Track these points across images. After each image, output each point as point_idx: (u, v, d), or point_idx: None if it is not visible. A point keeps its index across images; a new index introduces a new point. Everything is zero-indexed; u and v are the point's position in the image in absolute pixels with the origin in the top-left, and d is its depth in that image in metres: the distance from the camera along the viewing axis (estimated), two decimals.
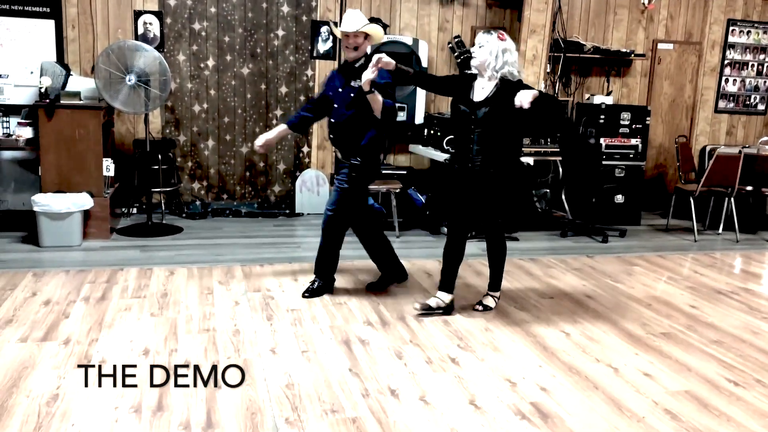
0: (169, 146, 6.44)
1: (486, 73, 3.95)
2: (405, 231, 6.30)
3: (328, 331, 3.86)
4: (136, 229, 5.96)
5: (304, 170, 7.03)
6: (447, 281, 4.20)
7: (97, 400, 2.95)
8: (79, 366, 3.26)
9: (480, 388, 3.22)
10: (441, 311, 4.18)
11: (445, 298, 4.19)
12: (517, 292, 4.72)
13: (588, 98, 7.31)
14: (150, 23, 6.41)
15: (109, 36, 6.35)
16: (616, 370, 3.51)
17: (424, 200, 6.49)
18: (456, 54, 7.22)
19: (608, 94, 7.50)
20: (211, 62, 6.65)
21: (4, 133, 5.81)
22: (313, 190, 7.02)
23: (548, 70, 7.19)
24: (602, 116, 6.93)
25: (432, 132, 6.61)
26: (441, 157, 6.24)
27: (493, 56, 3.89)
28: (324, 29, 6.86)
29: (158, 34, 6.44)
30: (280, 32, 6.76)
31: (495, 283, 4.37)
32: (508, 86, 3.87)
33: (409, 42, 6.87)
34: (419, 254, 5.59)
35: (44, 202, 5.25)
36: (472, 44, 7.20)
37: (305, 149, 7.07)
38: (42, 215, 5.25)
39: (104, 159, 5.70)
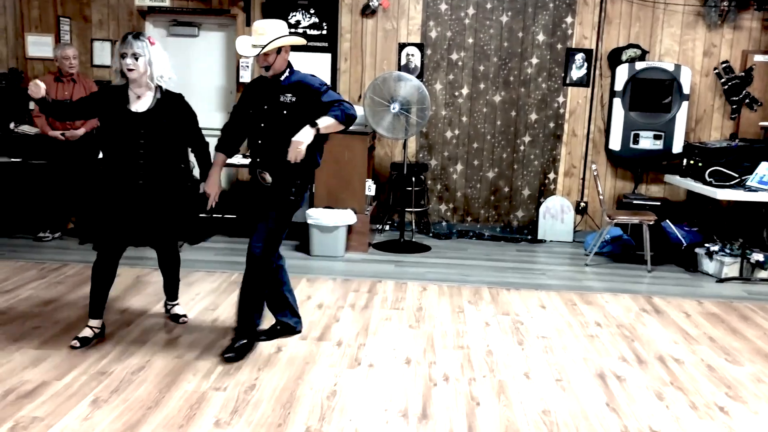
0: (422, 170, 6.83)
1: (142, 83, 3.70)
2: (657, 266, 5.98)
3: (581, 362, 3.82)
4: (389, 245, 6.40)
5: (548, 197, 7.01)
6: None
7: (369, 400, 3.24)
8: (351, 367, 3.60)
9: None
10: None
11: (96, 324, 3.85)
12: None
13: None
14: (412, 54, 6.89)
15: (376, 67, 6.93)
16: None
17: (679, 234, 6.11)
18: (723, 80, 6.73)
19: None
20: (465, 90, 6.95)
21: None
22: (557, 217, 6.96)
23: None
24: None
25: (692, 162, 6.22)
26: (701, 189, 5.85)
27: (152, 65, 3.67)
28: (578, 56, 6.81)
29: (419, 64, 6.89)
30: (534, 60, 6.85)
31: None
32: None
33: (670, 68, 6.56)
34: (674, 292, 5.27)
35: (316, 216, 5.87)
36: (743, 69, 6.71)
37: (551, 175, 7.05)
38: (314, 228, 5.88)
39: (366, 180, 6.22)
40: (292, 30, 6.87)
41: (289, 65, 3.68)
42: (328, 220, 5.85)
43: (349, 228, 6.04)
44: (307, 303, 4.63)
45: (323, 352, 3.80)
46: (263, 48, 3.49)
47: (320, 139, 3.56)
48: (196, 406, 3.09)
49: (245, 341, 3.71)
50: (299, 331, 4.05)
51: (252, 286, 3.71)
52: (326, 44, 6.86)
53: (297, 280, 5.15)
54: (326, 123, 3.46)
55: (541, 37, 6.82)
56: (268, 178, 3.67)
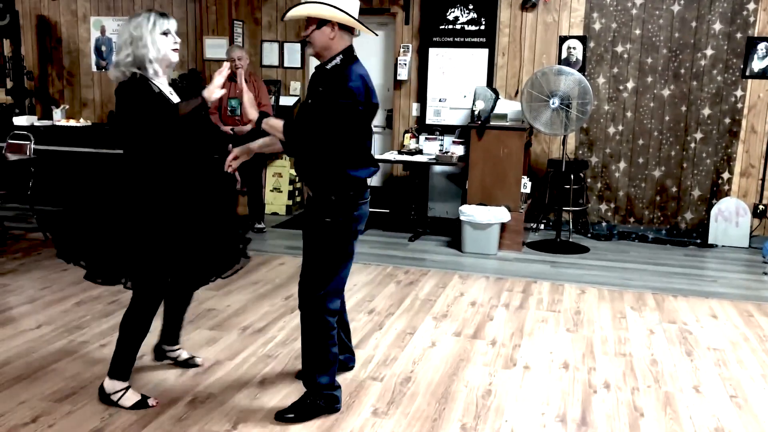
0: (581, 167, 6.57)
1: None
2: None
3: (759, 379, 3.50)
4: (544, 245, 6.23)
5: (721, 198, 6.49)
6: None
7: (525, 402, 3.17)
8: (506, 367, 3.55)
9: None
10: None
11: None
12: None
13: None
14: (573, 47, 6.65)
15: (534, 61, 6.77)
16: None
17: None
18: None
19: None
20: (630, 84, 6.60)
21: (439, 150, 6.64)
22: (731, 220, 6.43)
23: None
24: None
25: None
26: None
27: None
28: (761, 46, 6.23)
29: (580, 57, 6.63)
30: (709, 51, 6.36)
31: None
32: None
33: None
34: None
35: (469, 212, 5.84)
36: None
37: (725, 175, 6.52)
38: (467, 224, 5.85)
39: (522, 176, 6.09)
40: (450, 27, 6.87)
41: (346, 53, 2.82)
42: (482, 216, 5.80)
43: (503, 226, 5.95)
44: (459, 300, 4.63)
45: (477, 350, 3.77)
46: (286, 12, 2.82)
47: (344, 146, 2.78)
48: (354, 394, 3.19)
49: (308, 401, 2.95)
50: (352, 368, 3.45)
51: (306, 338, 2.96)
52: (483, 39, 6.79)
53: (449, 276, 5.16)
54: (272, 123, 2.82)
55: (717, 26, 6.31)
56: (309, 191, 2.93)
